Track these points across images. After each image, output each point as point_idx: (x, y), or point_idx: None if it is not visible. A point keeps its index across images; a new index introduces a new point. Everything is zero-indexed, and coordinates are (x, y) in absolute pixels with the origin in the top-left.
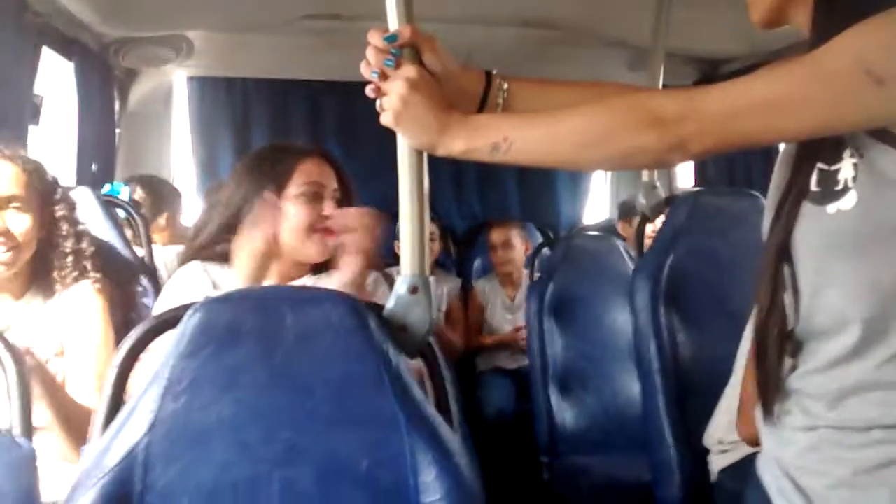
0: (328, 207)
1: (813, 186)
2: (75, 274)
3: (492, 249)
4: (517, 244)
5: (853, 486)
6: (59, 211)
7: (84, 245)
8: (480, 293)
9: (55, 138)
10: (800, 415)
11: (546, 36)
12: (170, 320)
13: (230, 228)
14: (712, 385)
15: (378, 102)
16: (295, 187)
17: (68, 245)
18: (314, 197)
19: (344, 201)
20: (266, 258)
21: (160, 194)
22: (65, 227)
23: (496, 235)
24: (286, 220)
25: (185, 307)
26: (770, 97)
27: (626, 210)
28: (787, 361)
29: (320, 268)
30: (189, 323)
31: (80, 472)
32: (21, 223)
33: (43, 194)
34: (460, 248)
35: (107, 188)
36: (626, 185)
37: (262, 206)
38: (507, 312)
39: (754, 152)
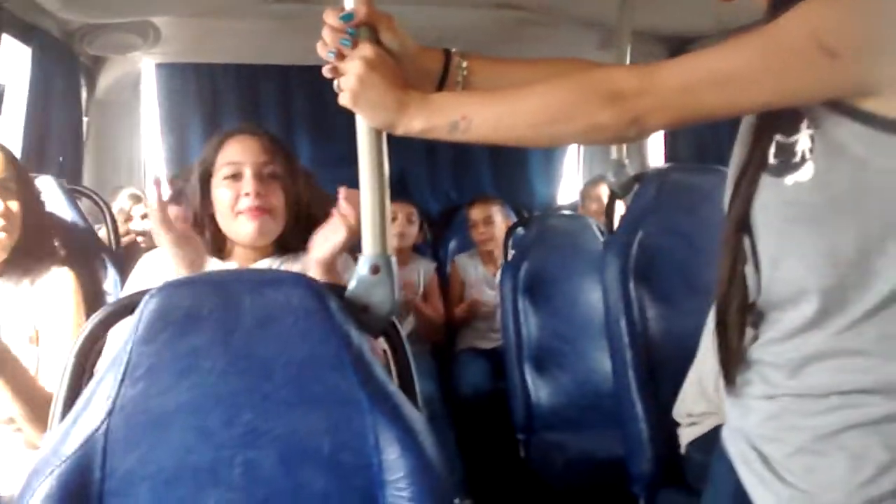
0: (248, 185)
1: (771, 159)
2: (50, 259)
3: (473, 226)
4: (498, 220)
5: (813, 452)
6: (38, 196)
7: (54, 230)
8: (461, 268)
9: (17, 127)
10: (760, 384)
11: (516, 17)
12: (127, 306)
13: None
14: (682, 360)
15: (335, 83)
16: (218, 169)
17: (43, 229)
18: (235, 177)
19: (285, 176)
20: (186, 243)
21: None
22: (39, 211)
23: (477, 212)
24: (215, 202)
25: (143, 293)
26: (725, 70)
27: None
28: (748, 332)
29: (286, 250)
30: (146, 308)
31: (37, 461)
32: (12, 207)
33: (25, 180)
34: (435, 230)
35: None
36: (598, 165)
37: (191, 190)
38: (488, 287)
39: (724, 129)
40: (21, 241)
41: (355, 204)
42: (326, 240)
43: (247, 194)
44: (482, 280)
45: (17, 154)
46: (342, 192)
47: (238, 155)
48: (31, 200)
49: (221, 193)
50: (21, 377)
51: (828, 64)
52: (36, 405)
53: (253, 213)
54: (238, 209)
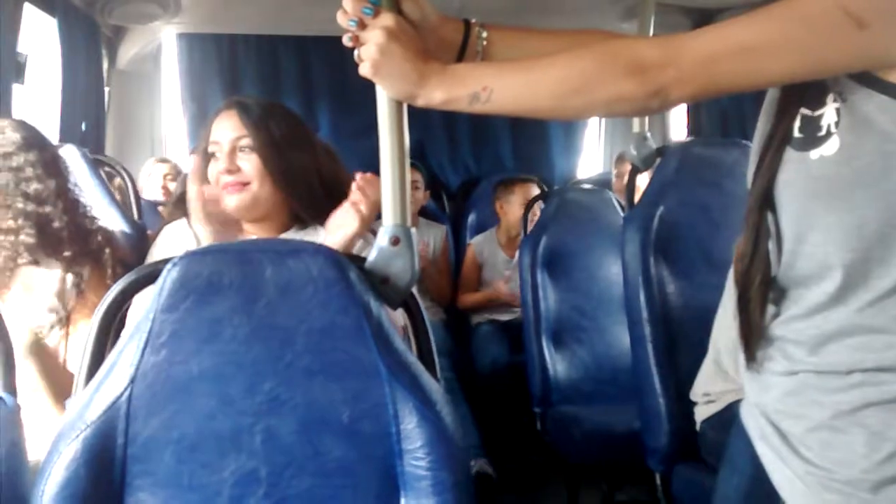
0: (224, 162)
1: (796, 133)
2: (77, 239)
3: (521, 205)
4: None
5: (831, 429)
6: (69, 179)
7: (86, 211)
8: (477, 252)
9: (41, 97)
10: (782, 360)
11: None
12: (150, 275)
13: None
14: (701, 335)
15: (356, 52)
16: (209, 148)
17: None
18: (216, 155)
19: (262, 146)
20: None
21: None
22: (71, 195)
23: (522, 193)
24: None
25: (165, 261)
26: (750, 41)
27: (619, 164)
28: (770, 309)
29: (304, 222)
30: (168, 277)
31: (62, 425)
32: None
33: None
34: (454, 202)
35: None
36: (621, 138)
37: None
38: (506, 270)
39: (748, 102)
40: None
41: (370, 192)
42: (339, 227)
43: (221, 172)
44: (500, 262)
45: (57, 124)
46: (358, 178)
47: (216, 133)
48: (61, 191)
49: (210, 171)
50: (54, 367)
51: (855, 34)
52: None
53: (229, 189)
54: (221, 186)
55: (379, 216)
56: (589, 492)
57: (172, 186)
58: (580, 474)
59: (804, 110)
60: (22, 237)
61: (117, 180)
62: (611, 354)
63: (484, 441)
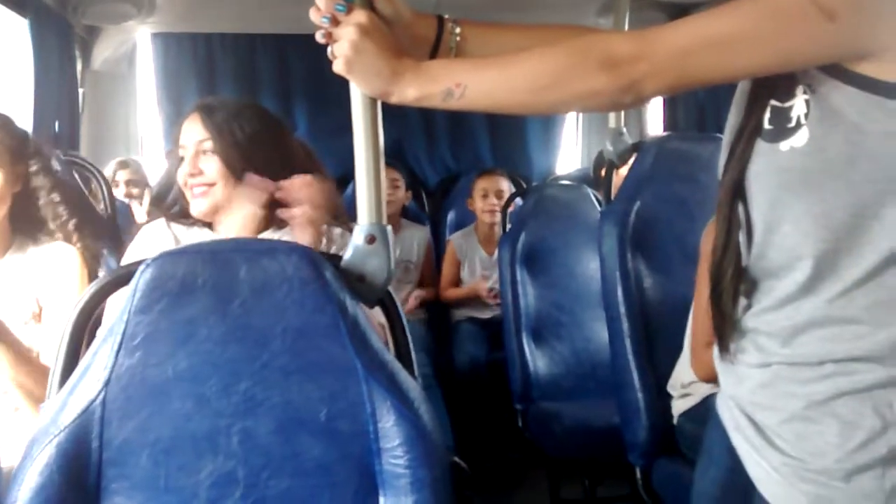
0: (187, 166)
1: (766, 124)
2: (75, 220)
3: (483, 197)
4: (507, 194)
5: (805, 419)
6: (35, 165)
7: (59, 198)
8: (457, 248)
9: (13, 98)
10: (754, 352)
11: None
12: (123, 276)
13: None
14: (679, 329)
15: (329, 49)
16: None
17: (56, 195)
18: (183, 157)
19: (223, 148)
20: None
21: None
22: (44, 179)
23: (489, 183)
24: None
25: (139, 263)
26: (722, 34)
27: (599, 161)
28: (742, 301)
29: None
30: (142, 278)
31: (36, 430)
32: None
33: (12, 149)
34: (433, 200)
35: None
36: (598, 134)
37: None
38: (484, 269)
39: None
40: (21, 212)
41: (303, 196)
42: (298, 237)
43: (186, 174)
44: (478, 260)
45: (29, 126)
46: (281, 186)
47: (182, 137)
48: (24, 170)
49: (179, 174)
50: (20, 352)
51: (826, 26)
52: (35, 381)
53: (194, 191)
54: (189, 187)
55: (353, 216)
56: (570, 487)
57: (136, 191)
58: (561, 470)
59: (774, 102)
60: None
61: (94, 183)
62: (590, 350)
63: (458, 442)
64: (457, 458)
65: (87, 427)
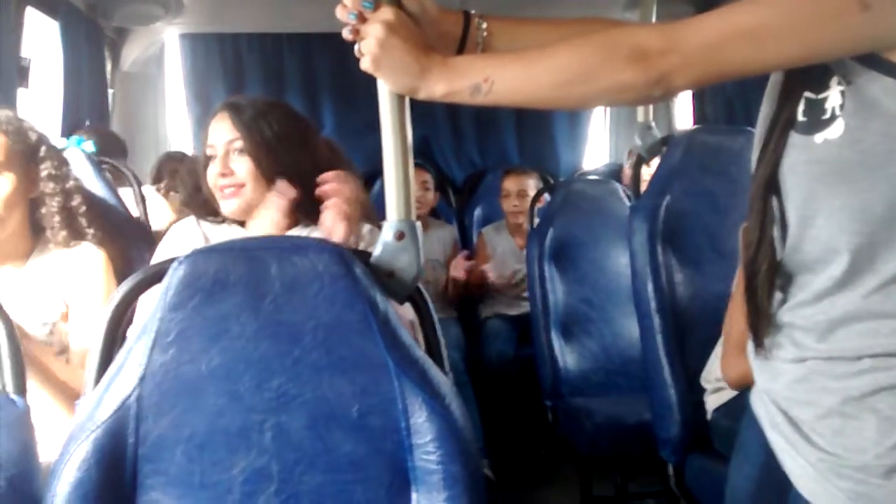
0: (217, 166)
1: (800, 116)
2: (65, 232)
3: (505, 197)
4: (531, 193)
5: (842, 415)
6: (45, 170)
7: (75, 202)
8: (488, 241)
9: (46, 100)
10: (790, 347)
11: None
12: (156, 274)
13: None
14: (710, 324)
15: (356, 46)
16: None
17: (55, 203)
18: (212, 158)
19: (253, 148)
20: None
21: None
22: (51, 185)
23: (511, 183)
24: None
25: (171, 260)
26: (752, 25)
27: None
28: (777, 295)
29: (313, 217)
30: (174, 276)
31: (73, 426)
32: (1, 186)
33: (27, 154)
34: (459, 196)
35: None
36: (626, 129)
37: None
38: (516, 261)
39: (753, 89)
40: (39, 217)
41: (344, 190)
42: (330, 233)
43: (217, 174)
44: (509, 253)
45: (58, 128)
46: (325, 180)
47: (211, 137)
48: (37, 174)
49: (208, 174)
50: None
51: (859, 15)
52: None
53: (222, 192)
54: (219, 188)
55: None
56: (602, 484)
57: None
58: (593, 466)
59: (808, 94)
60: None
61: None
62: (620, 345)
63: (489, 439)
64: (486, 464)
65: (123, 423)
